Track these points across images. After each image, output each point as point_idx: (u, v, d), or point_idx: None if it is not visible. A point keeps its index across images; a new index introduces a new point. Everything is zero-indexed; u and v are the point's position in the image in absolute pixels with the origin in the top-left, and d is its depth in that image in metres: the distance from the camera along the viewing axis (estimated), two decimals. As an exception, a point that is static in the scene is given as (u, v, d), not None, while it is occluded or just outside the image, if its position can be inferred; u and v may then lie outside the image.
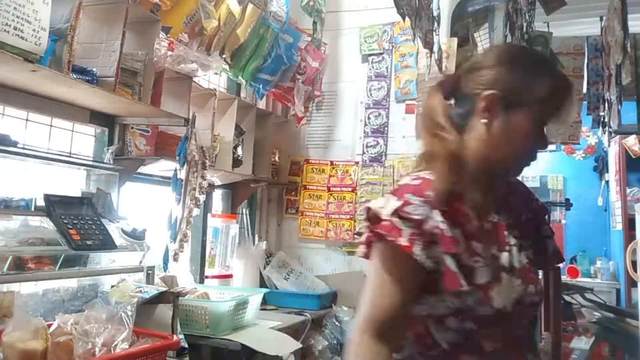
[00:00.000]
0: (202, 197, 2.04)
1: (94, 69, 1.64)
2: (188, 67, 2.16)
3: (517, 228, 0.98)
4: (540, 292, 0.97)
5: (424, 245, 0.87)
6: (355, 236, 2.97)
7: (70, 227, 1.56)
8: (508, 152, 0.95)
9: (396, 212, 0.89)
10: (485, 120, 0.94)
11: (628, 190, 4.87)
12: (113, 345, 0.72)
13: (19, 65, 1.31)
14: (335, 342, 2.68)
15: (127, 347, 0.74)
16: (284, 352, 2.00)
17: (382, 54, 3.07)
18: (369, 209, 0.93)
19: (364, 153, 3.04)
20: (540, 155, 0.99)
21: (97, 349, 0.70)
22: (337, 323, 2.76)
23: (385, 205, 0.91)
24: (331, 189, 3.07)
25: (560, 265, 0.85)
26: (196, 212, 2.05)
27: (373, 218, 0.92)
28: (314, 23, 2.79)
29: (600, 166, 5.60)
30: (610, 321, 3.04)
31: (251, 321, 2.17)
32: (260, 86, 2.66)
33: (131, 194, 2.12)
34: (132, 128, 2.05)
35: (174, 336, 1.47)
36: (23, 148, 1.62)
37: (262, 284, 2.89)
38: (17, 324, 0.69)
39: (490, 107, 0.93)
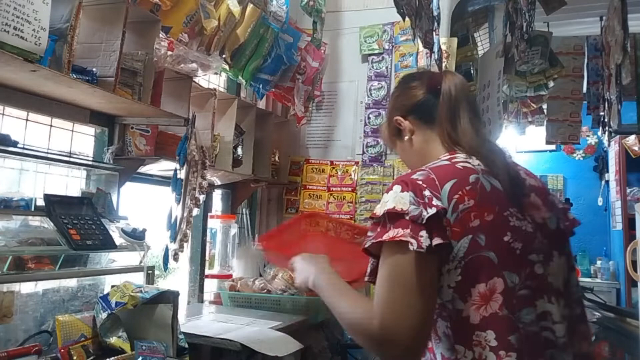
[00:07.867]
0: (202, 197, 2.04)
1: (94, 69, 1.64)
2: (188, 67, 2.15)
3: None
4: None
5: None
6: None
7: (70, 227, 1.56)
8: None
9: None
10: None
11: (628, 190, 4.86)
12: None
13: (19, 65, 1.31)
14: (335, 342, 2.67)
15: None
16: (284, 352, 1.99)
17: (382, 53, 3.07)
18: None
19: (364, 153, 3.04)
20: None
21: None
22: (337, 323, 2.75)
23: None
24: (331, 189, 3.07)
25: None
26: (196, 212, 2.04)
27: None
28: (314, 23, 2.79)
29: (600, 166, 5.59)
30: (610, 321, 3.03)
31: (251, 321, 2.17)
32: (260, 86, 2.66)
33: (131, 194, 2.12)
34: (132, 128, 2.05)
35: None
36: (23, 148, 1.62)
37: (262, 284, 2.88)
38: None
39: None
